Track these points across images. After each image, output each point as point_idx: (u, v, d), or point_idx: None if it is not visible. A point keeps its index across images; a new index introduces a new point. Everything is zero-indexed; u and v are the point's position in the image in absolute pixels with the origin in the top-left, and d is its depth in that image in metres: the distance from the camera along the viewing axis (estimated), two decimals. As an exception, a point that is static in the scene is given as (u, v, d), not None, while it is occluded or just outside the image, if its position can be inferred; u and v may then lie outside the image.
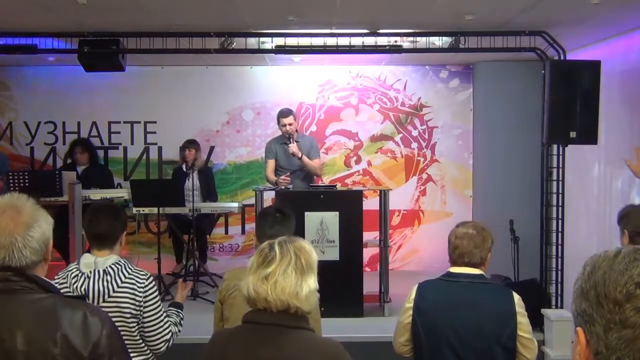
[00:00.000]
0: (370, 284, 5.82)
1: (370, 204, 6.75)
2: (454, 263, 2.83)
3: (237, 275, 2.94)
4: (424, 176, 7.75)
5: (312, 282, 1.96)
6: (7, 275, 1.68)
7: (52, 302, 1.70)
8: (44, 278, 1.76)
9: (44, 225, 1.74)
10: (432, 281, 2.86)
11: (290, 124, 5.95)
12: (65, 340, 1.62)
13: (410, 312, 2.79)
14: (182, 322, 3.13)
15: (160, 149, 7.74)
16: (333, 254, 5.43)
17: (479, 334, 2.65)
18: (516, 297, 2.74)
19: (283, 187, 5.84)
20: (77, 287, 2.78)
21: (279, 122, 6.07)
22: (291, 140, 5.93)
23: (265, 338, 1.91)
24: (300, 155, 5.94)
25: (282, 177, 5.90)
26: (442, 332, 2.69)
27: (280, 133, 6.23)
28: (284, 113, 6.06)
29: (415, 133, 7.72)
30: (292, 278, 1.91)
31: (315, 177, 6.30)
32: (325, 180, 7.55)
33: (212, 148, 7.70)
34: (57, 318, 1.65)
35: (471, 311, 2.68)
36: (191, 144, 6.89)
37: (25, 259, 1.69)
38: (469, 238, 2.79)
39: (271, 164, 6.19)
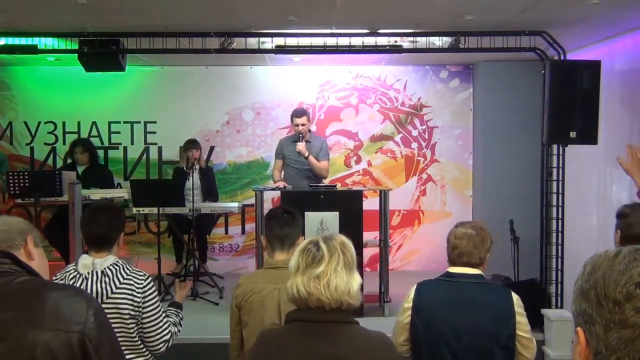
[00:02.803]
0: (370, 284, 5.81)
1: (370, 204, 6.75)
2: (452, 263, 2.83)
3: (253, 280, 2.91)
4: (424, 176, 7.75)
5: (358, 277, 1.98)
6: None
7: (37, 283, 1.73)
8: (28, 264, 1.80)
9: (22, 224, 1.92)
10: (431, 281, 2.86)
11: (303, 124, 6.11)
12: (52, 319, 1.62)
13: (409, 312, 2.78)
14: (181, 322, 3.11)
15: (160, 149, 7.74)
16: (333, 254, 5.43)
17: (478, 334, 2.65)
18: (515, 296, 2.74)
19: (282, 187, 5.88)
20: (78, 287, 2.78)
21: (292, 121, 6.22)
22: (300, 139, 6.07)
23: (320, 335, 1.92)
24: (307, 154, 6.06)
25: (279, 183, 6.02)
26: (441, 332, 2.69)
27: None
28: (298, 113, 6.23)
29: (415, 133, 7.72)
30: (343, 276, 1.93)
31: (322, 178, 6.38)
32: (325, 180, 7.55)
33: (212, 148, 7.69)
34: (42, 297, 1.67)
35: (470, 311, 2.68)
36: (194, 144, 6.89)
37: (2, 233, 1.83)
38: (468, 238, 2.79)
39: (278, 163, 6.35)
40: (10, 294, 1.67)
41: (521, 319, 2.69)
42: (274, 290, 2.77)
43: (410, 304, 2.79)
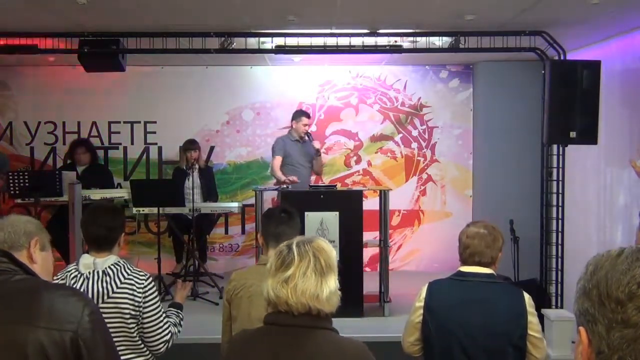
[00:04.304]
0: (370, 284, 5.81)
1: (370, 204, 6.75)
2: (464, 262, 2.81)
3: (244, 275, 2.94)
4: (424, 176, 7.75)
5: (332, 283, 1.93)
6: None
7: (34, 282, 1.73)
8: (28, 265, 1.80)
9: (30, 226, 1.94)
10: (443, 280, 2.84)
11: (309, 125, 6.58)
12: (47, 317, 1.62)
13: (421, 311, 2.77)
14: (182, 322, 3.11)
15: (160, 149, 7.73)
16: (333, 254, 5.45)
17: (490, 333, 2.64)
18: (526, 296, 2.73)
19: (285, 187, 5.89)
20: (76, 288, 2.77)
21: (299, 121, 6.45)
22: (311, 138, 6.46)
23: (286, 339, 1.89)
24: (320, 152, 6.53)
25: (291, 177, 6.13)
26: (452, 332, 2.68)
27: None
28: (307, 114, 6.63)
29: (415, 133, 7.72)
30: (311, 280, 1.89)
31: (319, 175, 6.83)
32: (325, 180, 7.56)
33: (212, 148, 7.69)
34: (37, 296, 1.66)
35: (482, 311, 2.67)
36: (193, 144, 6.89)
37: (8, 234, 1.84)
38: (480, 237, 2.77)
39: (280, 160, 6.43)
40: (5, 292, 1.67)
41: (533, 319, 2.68)
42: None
43: (422, 303, 2.77)
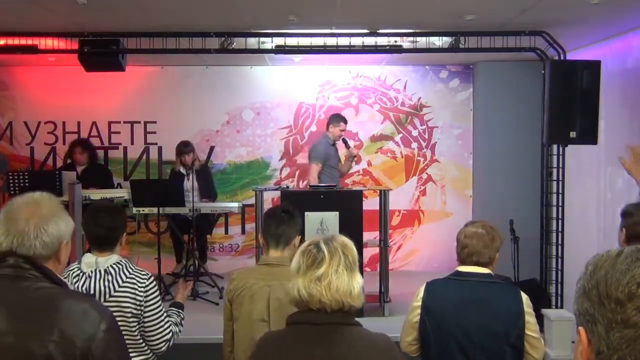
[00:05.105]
0: (370, 284, 5.81)
1: (370, 204, 6.75)
2: (462, 262, 2.81)
3: (246, 275, 2.94)
4: (424, 176, 7.75)
5: (359, 279, 1.97)
6: (19, 262, 1.72)
7: (54, 291, 1.73)
8: (55, 273, 1.79)
9: (61, 224, 1.81)
10: (441, 280, 2.85)
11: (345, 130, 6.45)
12: (61, 330, 1.63)
13: (419, 310, 2.77)
14: (182, 322, 3.12)
15: (160, 149, 7.73)
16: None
17: (488, 333, 2.64)
18: (524, 296, 2.74)
19: (285, 186, 5.90)
20: (78, 286, 2.78)
21: (336, 125, 6.30)
22: (347, 143, 6.38)
23: (319, 338, 1.90)
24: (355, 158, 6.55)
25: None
26: (450, 331, 2.68)
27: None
28: (346, 119, 6.45)
29: (415, 133, 7.72)
30: (344, 277, 1.91)
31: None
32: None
33: (212, 148, 7.69)
34: (55, 307, 1.67)
35: (480, 310, 2.67)
36: (187, 146, 6.82)
37: (34, 249, 1.75)
38: (478, 237, 2.77)
39: (320, 167, 6.24)
40: (23, 301, 1.67)
41: (530, 319, 2.69)
42: (265, 286, 2.79)
43: (420, 303, 2.78)
